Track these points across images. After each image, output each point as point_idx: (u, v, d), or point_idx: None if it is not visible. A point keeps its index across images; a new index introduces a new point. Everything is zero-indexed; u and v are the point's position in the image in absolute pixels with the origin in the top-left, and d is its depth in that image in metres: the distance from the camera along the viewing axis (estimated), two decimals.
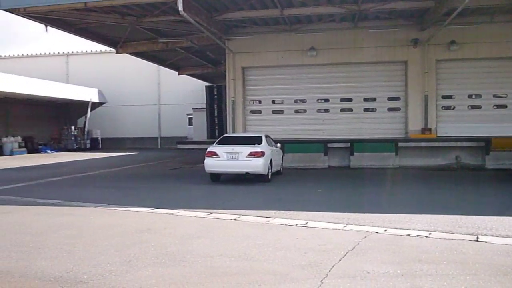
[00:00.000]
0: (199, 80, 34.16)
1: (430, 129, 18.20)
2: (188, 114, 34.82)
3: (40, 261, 5.42)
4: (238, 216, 8.18)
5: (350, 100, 19.30)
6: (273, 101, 19.87)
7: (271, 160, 13.48)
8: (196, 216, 8.22)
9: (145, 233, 6.90)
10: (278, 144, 15.30)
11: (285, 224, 7.48)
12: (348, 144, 17.88)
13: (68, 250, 5.90)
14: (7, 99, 32.56)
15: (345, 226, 7.27)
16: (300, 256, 5.60)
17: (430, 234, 6.68)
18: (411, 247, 5.99)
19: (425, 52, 18.23)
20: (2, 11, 15.12)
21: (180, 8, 13.29)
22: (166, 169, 18.90)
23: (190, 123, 33.83)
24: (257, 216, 8.13)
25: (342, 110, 19.40)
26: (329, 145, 18.00)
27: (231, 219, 7.94)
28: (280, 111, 19.80)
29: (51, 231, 7.11)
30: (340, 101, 19.39)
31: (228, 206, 9.31)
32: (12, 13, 15.47)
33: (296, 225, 7.44)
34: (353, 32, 18.71)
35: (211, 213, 8.47)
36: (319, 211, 8.58)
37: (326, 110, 19.57)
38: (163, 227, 7.36)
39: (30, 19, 16.41)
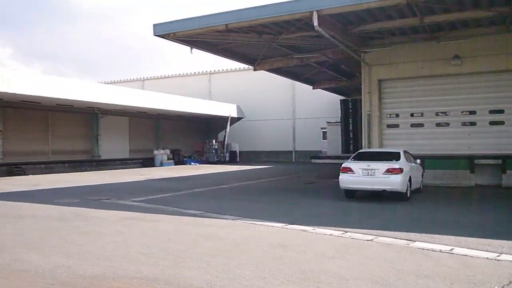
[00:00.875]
0: (333, 94, 33.97)
1: None
2: (322, 128, 34.80)
3: (184, 271, 5.74)
4: (375, 236, 7.80)
5: (501, 111, 17.38)
6: (412, 114, 18.80)
7: (410, 177, 12.71)
8: (330, 235, 8.05)
9: (279, 249, 6.93)
10: (418, 160, 14.39)
11: (427, 249, 6.92)
12: (499, 161, 16.10)
13: (208, 262, 6.17)
14: (159, 115, 36.04)
15: (499, 256, 6.47)
16: (445, 287, 5.10)
17: None
18: None
19: None
20: (155, 37, 16.86)
21: (316, 23, 13.36)
22: (300, 184, 19.02)
23: (324, 137, 33.74)
24: (396, 238, 7.66)
25: (492, 123, 17.55)
26: (476, 161, 16.41)
27: (367, 240, 7.60)
28: (420, 125, 18.65)
29: (193, 241, 7.53)
30: (489, 113, 17.56)
31: (363, 225, 8.95)
32: (164, 38, 17.10)
33: (440, 250, 6.83)
34: (504, 37, 16.89)
35: (346, 231, 8.22)
36: (467, 236, 7.77)
37: (472, 123, 17.89)
38: (297, 244, 7.33)
39: (178, 43, 17.92)
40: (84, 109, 29.94)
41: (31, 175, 24.22)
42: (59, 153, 28.80)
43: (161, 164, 33.71)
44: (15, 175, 24.12)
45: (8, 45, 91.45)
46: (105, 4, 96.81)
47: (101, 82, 47.40)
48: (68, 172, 26.74)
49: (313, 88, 31.37)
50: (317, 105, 37.98)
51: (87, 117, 31.00)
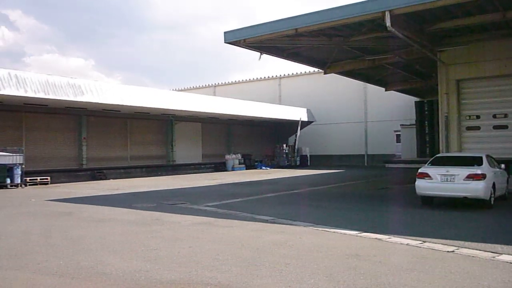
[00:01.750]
0: (407, 95, 32.77)
1: None
2: (395, 131, 33.69)
3: (256, 279, 5.74)
4: (456, 248, 7.36)
5: None
6: (494, 116, 17.61)
7: (493, 183, 11.91)
8: (407, 244, 7.71)
9: (353, 258, 6.74)
10: (502, 165, 13.45)
11: None
12: None
13: (280, 270, 6.13)
14: (230, 121, 36.71)
15: None
16: None
17: None
18: None
19: None
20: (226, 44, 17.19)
21: (388, 23, 12.95)
22: (372, 189, 18.49)
23: (398, 140, 32.65)
24: (479, 250, 7.18)
25: None
26: None
27: (448, 251, 7.18)
28: (503, 127, 17.42)
29: (265, 248, 7.53)
30: None
31: (443, 235, 8.48)
32: (234, 45, 17.39)
33: None
34: None
35: (424, 241, 7.83)
36: None
37: None
38: (372, 253, 7.09)
39: (248, 49, 18.13)
40: (160, 116, 31.20)
41: (111, 179, 25.58)
42: (137, 158, 30.23)
43: (233, 169, 34.27)
44: (98, 180, 25.59)
45: (91, 57, 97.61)
46: (177, 14, 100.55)
47: (175, 90, 49.18)
48: (145, 177, 27.94)
49: (385, 90, 30.45)
50: (390, 107, 36.85)
51: (162, 123, 32.26)
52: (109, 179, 26.03)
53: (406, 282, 5.53)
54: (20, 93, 20.50)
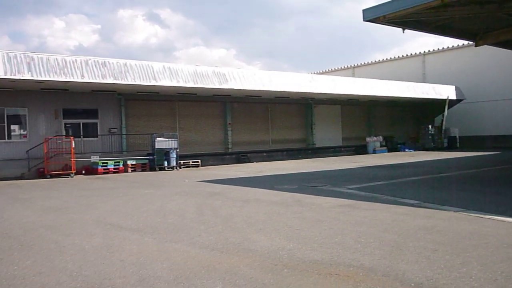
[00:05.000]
0: None
1: None
2: None
3: (401, 264, 5.52)
4: None
5: None
6: None
7: None
8: None
9: None
10: None
11: None
12: None
13: (427, 256, 5.79)
14: (370, 102, 35.67)
15: None
16: None
17: None
18: None
19: None
20: (364, 22, 16.61)
21: None
22: None
23: None
24: None
25: None
26: None
27: None
28: None
29: (410, 233, 7.18)
30: None
31: None
32: (374, 22, 16.70)
33: None
34: None
35: None
36: None
37: None
38: None
39: (388, 25, 17.28)
40: (299, 100, 31.64)
41: (255, 162, 26.79)
42: (278, 142, 31.14)
43: (374, 152, 33.38)
44: (242, 163, 27.01)
45: (232, 47, 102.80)
46: None
47: (313, 73, 49.25)
48: (285, 160, 28.70)
49: None
50: None
51: (302, 107, 32.66)
52: (252, 162, 27.29)
53: None
54: (173, 83, 22.55)
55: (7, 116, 21.35)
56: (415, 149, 35.07)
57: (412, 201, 10.26)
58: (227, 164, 26.77)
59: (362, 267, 5.43)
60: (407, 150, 34.85)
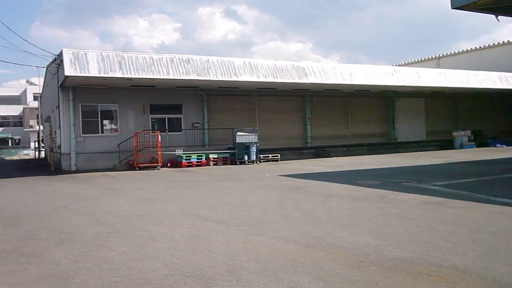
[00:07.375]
0: None
1: None
2: None
3: (498, 266, 5.21)
4: None
5: None
6: None
7: None
8: None
9: None
10: None
11: None
12: None
13: None
14: (457, 94, 33.79)
15: None
16: None
17: None
18: None
19: None
20: (452, 10, 15.71)
21: None
22: None
23: None
24: None
25: None
26: None
27: None
28: None
29: (508, 234, 6.74)
30: None
31: None
32: (463, 9, 15.75)
33: None
34: None
35: None
36: None
37: None
38: None
39: (479, 12, 16.22)
40: (380, 93, 30.73)
41: (334, 157, 26.47)
42: (358, 136, 30.50)
43: (461, 147, 31.65)
44: (321, 157, 26.80)
45: (308, 41, 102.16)
46: None
47: (394, 65, 47.53)
48: (366, 155, 28.06)
49: None
50: None
51: (383, 100, 31.70)
52: (331, 156, 26.99)
53: None
54: (253, 78, 22.86)
55: (101, 112, 22.90)
56: (507, 145, 32.72)
57: (507, 200, 9.61)
58: (306, 158, 26.69)
59: (455, 268, 5.19)
60: (498, 145, 32.62)
